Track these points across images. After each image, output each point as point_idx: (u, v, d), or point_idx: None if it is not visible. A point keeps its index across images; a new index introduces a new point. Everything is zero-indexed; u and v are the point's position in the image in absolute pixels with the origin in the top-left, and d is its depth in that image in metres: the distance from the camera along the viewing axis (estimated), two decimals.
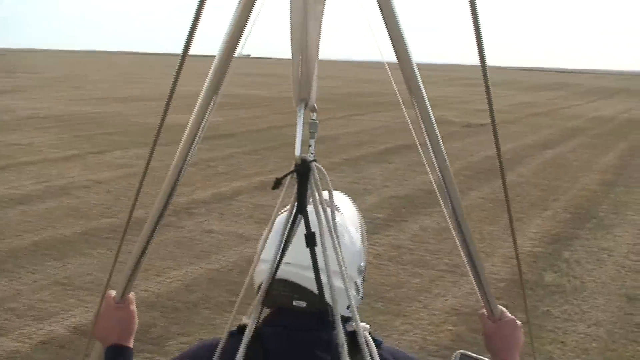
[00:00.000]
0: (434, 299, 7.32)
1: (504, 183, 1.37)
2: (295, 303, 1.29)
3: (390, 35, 1.06)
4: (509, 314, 1.53)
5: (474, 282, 1.40)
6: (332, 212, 1.24)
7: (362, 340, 1.19)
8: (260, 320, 1.27)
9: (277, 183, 1.21)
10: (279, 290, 1.29)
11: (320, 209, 1.20)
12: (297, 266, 1.27)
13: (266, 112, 29.12)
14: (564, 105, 38.90)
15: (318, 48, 1.13)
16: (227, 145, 18.64)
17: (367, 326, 1.29)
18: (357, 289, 1.37)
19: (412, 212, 11.39)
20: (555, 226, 11.03)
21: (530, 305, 6.72)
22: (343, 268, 1.21)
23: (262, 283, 1.28)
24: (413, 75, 1.10)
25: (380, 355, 1.24)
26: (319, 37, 1.13)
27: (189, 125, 1.19)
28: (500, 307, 1.52)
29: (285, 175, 1.21)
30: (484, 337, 1.54)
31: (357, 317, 1.20)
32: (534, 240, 10.41)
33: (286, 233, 1.23)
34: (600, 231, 10.61)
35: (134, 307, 1.49)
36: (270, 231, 1.32)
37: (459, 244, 1.30)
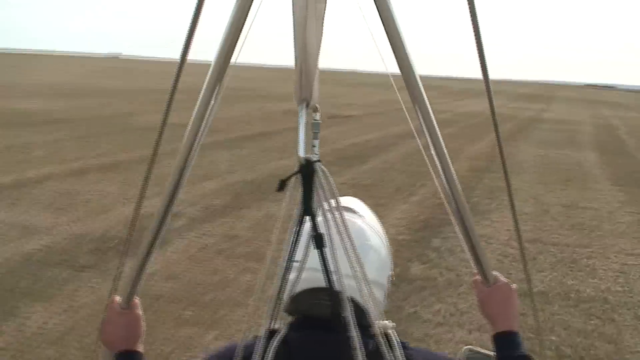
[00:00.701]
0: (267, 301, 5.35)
1: (508, 186, 1.49)
2: (324, 305, 1.24)
3: (392, 46, 1.12)
4: (503, 278, 1.50)
5: (466, 247, 1.38)
6: (341, 214, 1.20)
7: (387, 347, 1.20)
8: (287, 325, 1.27)
9: (282, 185, 1.17)
10: (313, 299, 1.27)
11: (328, 210, 1.19)
12: (316, 270, 1.21)
13: (115, 101, 27.96)
14: (433, 102, 39.06)
15: (319, 47, 1.15)
16: (57, 130, 17.13)
17: (392, 324, 1.28)
18: (385, 296, 1.39)
19: (258, 199, 10.04)
20: (423, 212, 10.22)
21: (392, 305, 5.55)
22: (374, 272, 1.29)
23: (293, 291, 1.27)
24: (416, 84, 1.16)
25: (409, 357, 1.24)
26: (320, 37, 1.15)
27: (188, 127, 1.19)
28: (494, 272, 1.48)
29: (290, 177, 1.17)
30: (478, 303, 1.51)
31: (385, 323, 1.24)
32: (398, 227, 8.92)
33: (293, 237, 1.18)
34: (475, 217, 9.27)
35: (139, 312, 1.46)
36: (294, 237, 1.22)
37: (449, 208, 1.29)
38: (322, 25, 1.13)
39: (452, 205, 1.29)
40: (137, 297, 1.44)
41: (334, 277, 1.15)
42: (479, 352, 1.57)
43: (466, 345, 1.68)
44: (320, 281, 1.19)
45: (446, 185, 1.27)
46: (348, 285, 1.17)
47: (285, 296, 1.26)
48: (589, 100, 67.65)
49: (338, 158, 14.38)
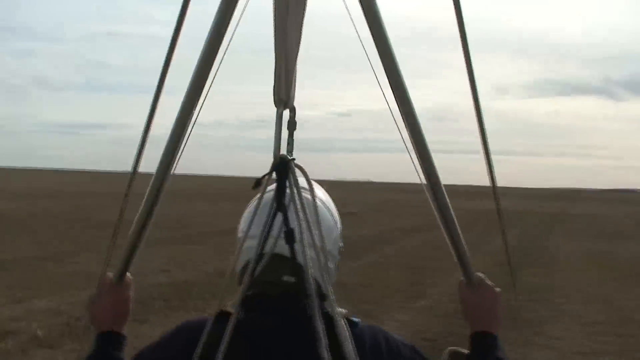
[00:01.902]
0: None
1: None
2: (285, 278, 1.26)
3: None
4: (488, 281, 1.43)
5: (451, 249, 1.34)
6: (315, 207, 1.24)
7: (339, 323, 1.17)
8: (241, 304, 1.22)
9: (258, 183, 1.21)
10: (269, 265, 1.25)
11: (299, 207, 1.19)
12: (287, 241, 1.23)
13: None
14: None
15: (297, 51, 1.18)
16: None
17: (344, 310, 1.24)
18: (336, 268, 1.38)
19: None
20: (431, 324, 6.67)
21: None
22: (328, 249, 1.27)
23: (249, 260, 1.25)
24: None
25: (357, 336, 1.21)
26: (299, 41, 1.17)
27: (171, 130, 1.18)
28: (478, 274, 1.42)
29: (265, 175, 1.21)
30: (461, 305, 1.44)
31: (333, 297, 1.21)
32: None
33: (267, 228, 1.22)
34: (523, 331, 6.46)
35: (130, 292, 1.42)
36: (257, 209, 1.27)
37: (435, 208, 1.27)
38: (301, 30, 1.16)
39: (437, 207, 1.27)
40: (130, 276, 1.41)
41: (302, 261, 1.17)
42: (461, 353, 1.42)
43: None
44: (285, 249, 1.22)
45: (429, 185, 1.24)
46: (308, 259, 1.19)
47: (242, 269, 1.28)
48: (614, 200, 65.47)
49: None
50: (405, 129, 1.20)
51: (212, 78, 1.13)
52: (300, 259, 1.18)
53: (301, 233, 1.17)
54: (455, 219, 1.28)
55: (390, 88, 1.16)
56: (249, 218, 1.26)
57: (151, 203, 1.23)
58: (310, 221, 1.19)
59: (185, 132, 1.16)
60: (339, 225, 1.37)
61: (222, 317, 1.18)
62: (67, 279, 8.75)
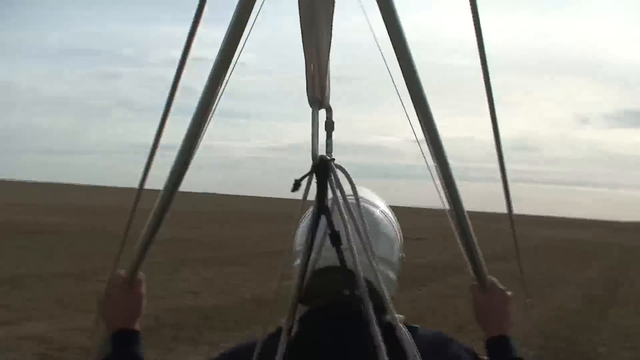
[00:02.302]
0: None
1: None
2: (344, 293, 1.18)
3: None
4: (500, 285, 1.44)
5: (464, 252, 1.32)
6: (359, 207, 1.21)
7: (402, 335, 1.13)
8: (297, 319, 1.21)
9: (296, 185, 1.15)
10: (324, 280, 1.24)
11: (343, 206, 1.16)
12: (343, 250, 1.15)
13: None
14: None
15: (329, 47, 1.16)
16: None
17: (402, 316, 1.19)
18: (397, 278, 1.37)
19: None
20: None
21: None
22: (387, 252, 1.30)
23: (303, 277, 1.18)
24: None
25: (418, 343, 1.16)
26: (330, 36, 1.14)
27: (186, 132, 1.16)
28: (491, 277, 1.43)
29: (304, 176, 1.15)
30: (474, 309, 1.45)
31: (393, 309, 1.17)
32: None
33: (309, 236, 1.17)
34: None
35: (143, 289, 1.40)
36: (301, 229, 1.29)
37: (449, 214, 1.27)
38: (332, 25, 1.13)
39: (452, 210, 1.25)
40: (142, 274, 1.39)
41: (352, 266, 1.13)
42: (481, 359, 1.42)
43: None
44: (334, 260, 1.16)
45: (445, 190, 1.22)
46: (364, 269, 1.14)
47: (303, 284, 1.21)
48: None
49: None
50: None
51: (221, 91, 1.14)
52: (349, 263, 1.12)
53: (347, 235, 1.13)
54: (469, 223, 1.25)
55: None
56: (304, 231, 1.23)
57: (166, 200, 1.22)
58: (358, 224, 1.17)
59: (206, 121, 1.15)
60: (400, 233, 1.37)
61: (278, 334, 1.15)
62: (77, 299, 8.00)
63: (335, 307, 1.22)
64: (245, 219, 32.63)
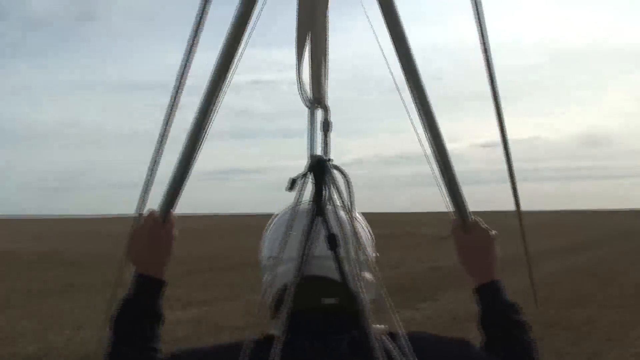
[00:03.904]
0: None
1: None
2: (326, 301, 1.18)
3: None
4: (483, 224, 1.40)
5: (445, 190, 1.32)
6: (351, 211, 1.19)
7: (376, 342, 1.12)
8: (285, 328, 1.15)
9: (292, 184, 1.17)
10: (306, 289, 1.17)
11: (341, 210, 1.19)
12: (326, 258, 1.16)
13: None
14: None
15: (327, 44, 1.14)
16: None
17: (383, 327, 1.17)
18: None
19: None
20: None
21: None
22: (371, 265, 1.22)
23: (286, 283, 1.17)
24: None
25: (402, 348, 1.15)
26: (326, 32, 1.13)
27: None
28: (475, 217, 1.39)
29: (300, 175, 1.17)
30: (457, 250, 1.42)
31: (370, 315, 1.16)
32: None
33: (305, 237, 1.16)
34: None
35: (175, 232, 1.34)
36: (287, 231, 1.20)
37: (429, 149, 1.29)
38: (327, 20, 1.13)
39: (432, 147, 1.27)
40: (175, 215, 1.33)
41: (349, 273, 1.13)
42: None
43: None
44: (323, 269, 1.16)
45: (427, 129, 1.25)
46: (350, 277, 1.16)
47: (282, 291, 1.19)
48: None
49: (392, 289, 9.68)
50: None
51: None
52: (345, 268, 1.13)
53: (345, 239, 1.13)
54: (450, 157, 1.26)
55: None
56: (278, 238, 1.18)
57: (195, 138, 1.22)
58: (349, 228, 1.16)
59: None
60: (372, 233, 1.32)
61: (263, 341, 1.12)
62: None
63: (323, 317, 1.17)
64: None
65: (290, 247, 1.17)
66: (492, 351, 1.30)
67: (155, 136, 1.26)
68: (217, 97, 1.20)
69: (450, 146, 1.30)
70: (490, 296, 1.34)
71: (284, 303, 1.14)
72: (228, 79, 1.17)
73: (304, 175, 1.15)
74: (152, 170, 1.26)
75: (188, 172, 1.26)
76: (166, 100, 1.24)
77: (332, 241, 1.12)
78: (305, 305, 1.16)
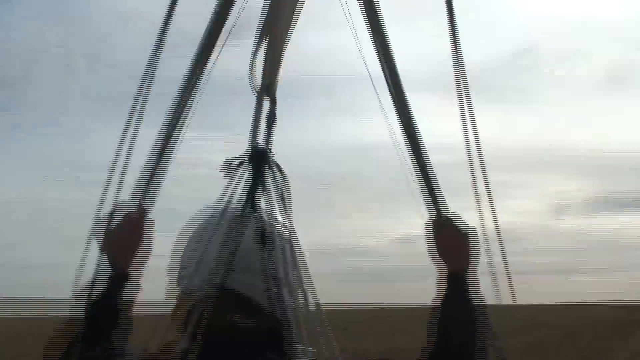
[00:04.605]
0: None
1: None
2: (240, 324, 1.09)
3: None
4: (461, 219, 1.39)
5: (421, 186, 1.32)
6: (288, 208, 1.14)
7: None
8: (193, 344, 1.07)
9: (227, 166, 1.10)
10: (219, 306, 1.07)
11: (277, 205, 1.13)
12: (244, 272, 1.08)
13: None
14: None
15: (291, 29, 1.10)
16: None
17: (312, 349, 1.14)
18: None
19: None
20: None
21: None
22: (303, 278, 1.16)
23: (202, 298, 1.07)
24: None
25: None
26: (292, 25, 1.10)
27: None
28: (451, 212, 1.39)
29: (237, 161, 1.11)
30: (435, 244, 1.39)
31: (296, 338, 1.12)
32: None
33: (234, 233, 1.08)
34: None
35: (147, 223, 1.25)
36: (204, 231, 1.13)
37: (406, 144, 1.30)
38: (294, 13, 1.10)
39: (407, 144, 1.28)
40: (152, 218, 1.27)
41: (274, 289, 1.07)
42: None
43: None
44: (238, 284, 1.08)
45: (404, 124, 1.27)
46: (258, 288, 1.09)
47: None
48: None
49: None
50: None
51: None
52: (271, 287, 1.06)
53: (273, 237, 1.08)
54: (427, 153, 1.29)
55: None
56: (198, 246, 1.11)
57: (169, 133, 1.20)
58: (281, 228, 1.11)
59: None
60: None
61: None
62: None
63: (236, 340, 1.10)
64: None
65: (209, 258, 1.08)
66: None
67: None
68: (190, 94, 1.20)
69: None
70: (457, 286, 1.34)
71: (194, 321, 1.06)
72: (204, 76, 1.19)
73: (241, 163, 1.10)
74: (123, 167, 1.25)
75: (163, 165, 1.23)
76: None
77: (264, 237, 1.07)
78: (218, 324, 1.08)
